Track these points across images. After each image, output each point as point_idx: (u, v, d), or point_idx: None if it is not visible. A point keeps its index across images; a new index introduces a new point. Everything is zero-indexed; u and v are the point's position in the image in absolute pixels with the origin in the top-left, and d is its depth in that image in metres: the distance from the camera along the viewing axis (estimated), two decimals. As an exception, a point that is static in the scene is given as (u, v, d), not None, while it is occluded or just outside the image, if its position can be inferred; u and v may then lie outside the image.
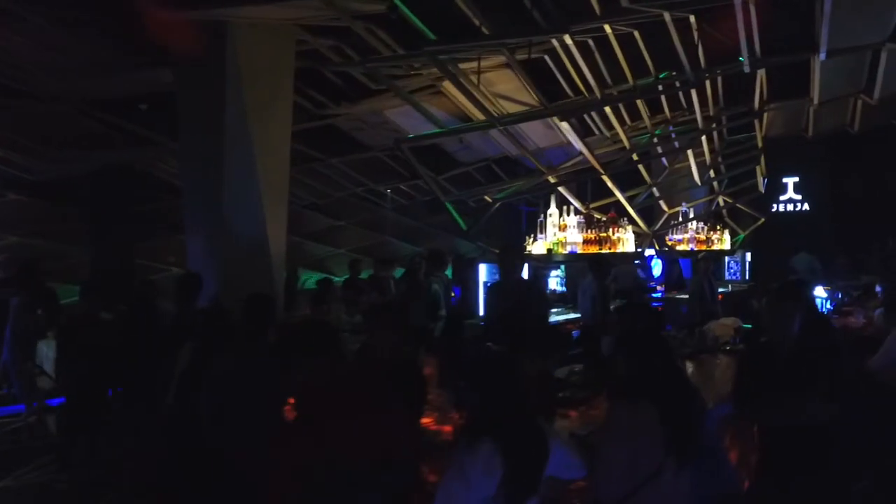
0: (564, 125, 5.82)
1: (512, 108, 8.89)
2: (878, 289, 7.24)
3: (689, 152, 8.32)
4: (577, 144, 6.40)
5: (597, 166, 6.75)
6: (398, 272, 9.43)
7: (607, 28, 6.36)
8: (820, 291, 7.77)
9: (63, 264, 11.29)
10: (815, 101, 8.29)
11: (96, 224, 10.60)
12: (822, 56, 6.36)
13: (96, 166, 9.55)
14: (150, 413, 4.78)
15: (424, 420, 2.98)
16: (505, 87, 8.71)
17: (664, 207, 9.75)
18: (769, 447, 3.47)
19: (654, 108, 9.72)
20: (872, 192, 13.15)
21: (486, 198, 7.07)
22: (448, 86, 8.06)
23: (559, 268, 10.69)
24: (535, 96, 8.60)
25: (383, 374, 2.37)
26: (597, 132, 10.13)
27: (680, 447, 2.44)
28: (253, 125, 5.96)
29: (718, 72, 7.32)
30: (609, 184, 7.30)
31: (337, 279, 10.38)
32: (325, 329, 2.61)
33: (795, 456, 3.24)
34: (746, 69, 6.63)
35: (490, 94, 8.88)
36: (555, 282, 11.02)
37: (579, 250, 7.15)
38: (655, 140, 8.68)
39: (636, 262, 11.54)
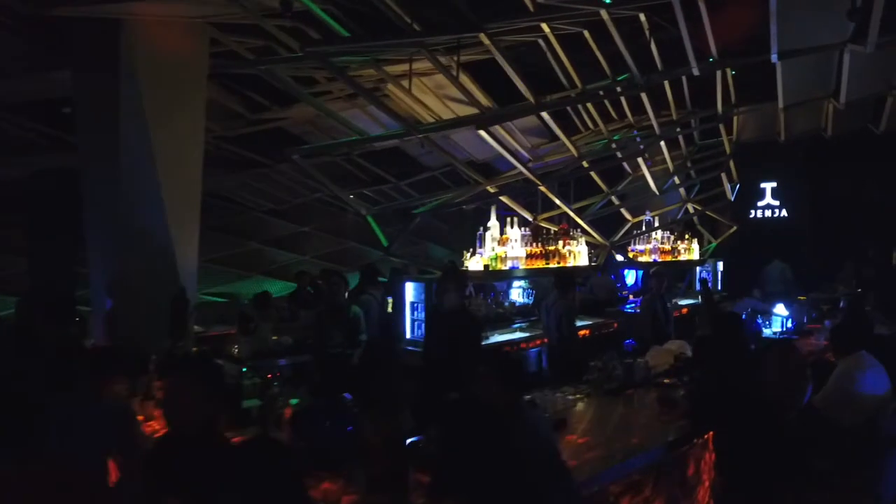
0: (482, 133, 5.35)
1: (465, 111, 8.44)
2: (841, 304, 6.76)
3: (641, 160, 7.83)
4: (504, 154, 5.93)
5: (531, 177, 6.27)
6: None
7: (545, 28, 5.89)
8: (780, 309, 7.28)
9: (4, 274, 10.83)
10: (781, 104, 7.84)
11: (34, 232, 10.12)
12: (774, 58, 5.90)
13: (26, 172, 9.08)
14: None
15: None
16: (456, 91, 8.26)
17: (627, 216, 9.28)
18: None
19: (621, 114, 9.27)
20: (853, 197, 12.74)
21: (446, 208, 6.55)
22: (391, 88, 7.62)
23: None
24: (486, 100, 8.17)
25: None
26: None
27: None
28: (156, 131, 5.49)
29: (670, 74, 6.84)
30: (549, 195, 6.82)
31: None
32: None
33: None
34: (695, 72, 6.17)
35: (442, 98, 8.45)
36: (517, 293, 10.51)
37: (522, 266, 6.67)
38: (614, 146, 8.20)
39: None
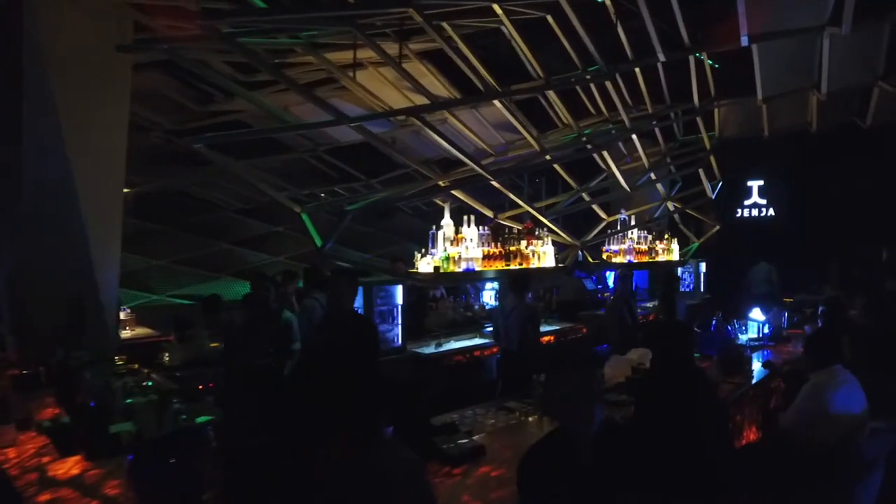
0: (412, 121, 4.88)
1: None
2: (820, 309, 6.29)
3: (607, 155, 7.36)
4: (445, 146, 5.47)
5: (481, 171, 5.80)
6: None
7: (497, 9, 5.42)
8: (756, 313, 6.81)
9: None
10: (759, 96, 7.38)
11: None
12: (744, 40, 5.45)
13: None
14: None
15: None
16: (426, 81, 7.80)
17: (602, 215, 8.81)
18: None
19: (598, 110, 8.80)
20: (841, 195, 12.30)
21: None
22: (345, 80, 7.14)
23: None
24: (449, 91, 7.70)
25: None
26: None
27: None
28: (68, 120, 5.01)
29: (636, 62, 6.38)
30: (504, 191, 6.35)
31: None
32: None
33: None
34: (661, 57, 5.71)
35: (402, 89, 7.97)
36: (490, 295, 10.03)
37: (478, 267, 6.20)
38: (584, 138, 7.72)
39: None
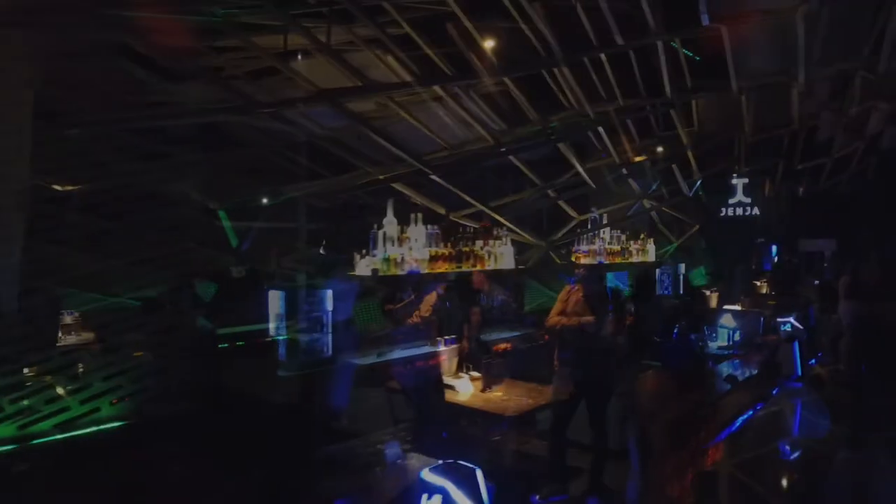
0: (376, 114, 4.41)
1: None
2: (793, 315, 5.84)
3: (565, 146, 6.88)
4: (375, 138, 5.01)
5: (421, 167, 5.32)
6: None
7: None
8: (728, 319, 6.36)
9: None
10: (734, 87, 6.92)
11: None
12: (705, 21, 5.00)
13: None
14: None
15: None
16: (380, 73, 7.33)
17: (572, 214, 8.34)
18: None
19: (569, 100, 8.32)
20: (829, 192, 11.91)
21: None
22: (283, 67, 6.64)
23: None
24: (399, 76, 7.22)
25: None
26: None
27: None
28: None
29: (595, 50, 5.90)
30: (448, 186, 5.88)
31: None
32: None
33: None
34: (619, 40, 5.25)
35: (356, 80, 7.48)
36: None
37: (424, 270, 5.70)
38: (550, 130, 7.24)
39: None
